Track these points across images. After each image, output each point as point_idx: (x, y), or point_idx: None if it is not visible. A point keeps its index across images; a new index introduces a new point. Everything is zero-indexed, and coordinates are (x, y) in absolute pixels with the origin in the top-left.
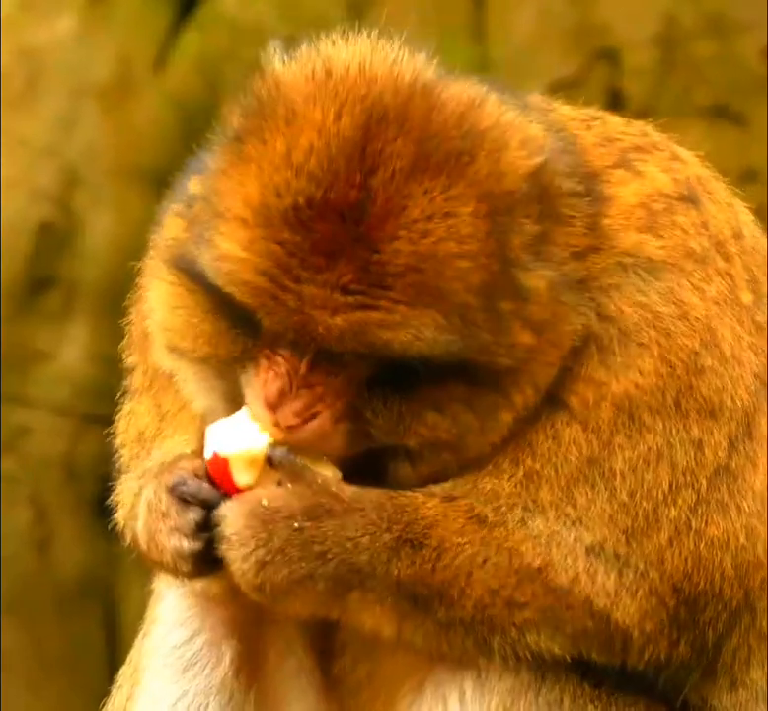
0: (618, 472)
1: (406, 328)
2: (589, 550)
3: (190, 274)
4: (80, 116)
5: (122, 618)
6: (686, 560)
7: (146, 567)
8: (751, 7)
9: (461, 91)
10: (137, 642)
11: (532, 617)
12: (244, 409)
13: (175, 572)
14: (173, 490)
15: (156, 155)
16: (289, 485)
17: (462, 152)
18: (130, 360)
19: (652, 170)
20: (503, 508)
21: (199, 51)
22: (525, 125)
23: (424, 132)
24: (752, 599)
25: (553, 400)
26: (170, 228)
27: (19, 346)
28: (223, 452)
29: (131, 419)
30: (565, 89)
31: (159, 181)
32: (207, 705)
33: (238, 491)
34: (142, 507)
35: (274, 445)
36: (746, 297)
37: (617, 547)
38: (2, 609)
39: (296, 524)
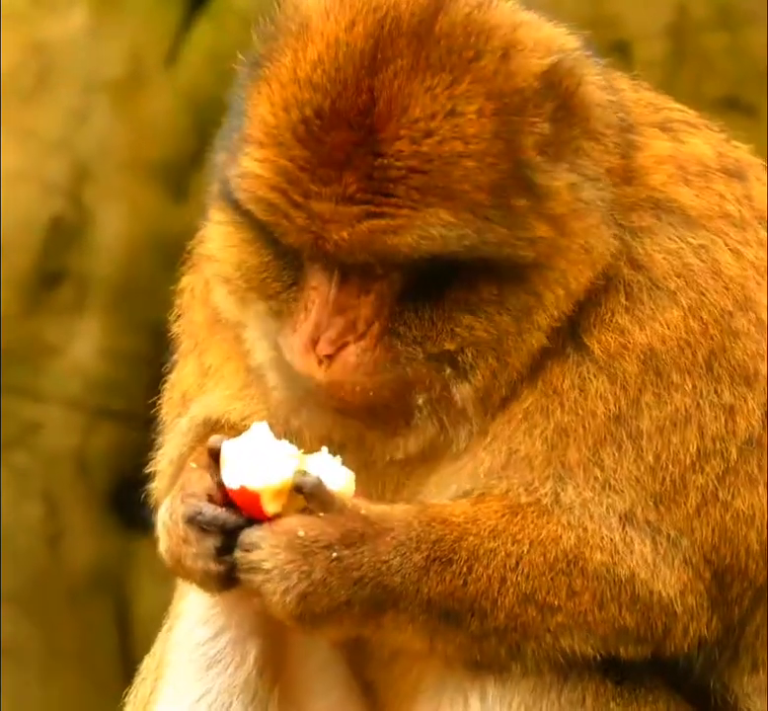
0: (645, 432)
1: (410, 230)
2: (622, 518)
3: (228, 200)
4: (92, 110)
5: (134, 611)
6: (714, 531)
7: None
8: None
9: None
10: (162, 635)
11: (565, 622)
12: (262, 429)
13: (204, 590)
14: (191, 521)
15: (167, 149)
16: (321, 513)
17: (467, 48)
18: (176, 329)
19: (695, 141)
20: (536, 483)
21: (211, 45)
22: (541, 26)
23: (429, 31)
24: None
25: (577, 343)
26: (218, 166)
27: (30, 340)
28: (253, 486)
29: (175, 384)
30: None
31: (170, 174)
32: (230, 704)
33: (266, 517)
34: (161, 530)
35: (302, 473)
36: None
37: (647, 513)
38: (15, 603)
39: (335, 554)
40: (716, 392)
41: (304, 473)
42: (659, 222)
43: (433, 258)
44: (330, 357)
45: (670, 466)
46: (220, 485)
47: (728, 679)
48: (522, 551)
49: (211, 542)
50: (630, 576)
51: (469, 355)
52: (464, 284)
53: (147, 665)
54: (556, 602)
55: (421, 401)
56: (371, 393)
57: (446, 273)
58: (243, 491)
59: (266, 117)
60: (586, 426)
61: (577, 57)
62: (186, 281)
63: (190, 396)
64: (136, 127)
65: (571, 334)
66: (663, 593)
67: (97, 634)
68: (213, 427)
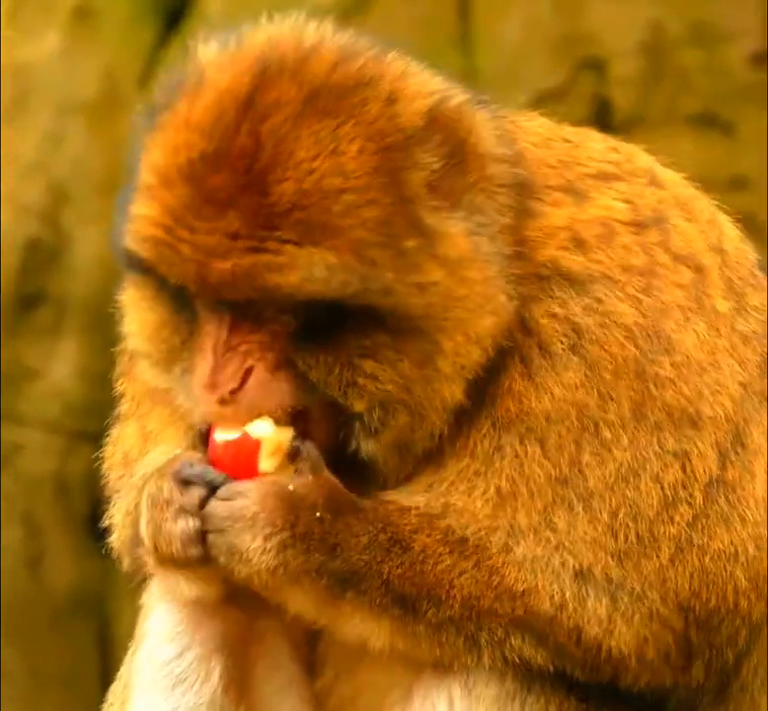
0: (595, 492)
1: (294, 269)
2: (578, 574)
3: (123, 257)
4: (67, 132)
5: (116, 634)
6: (692, 577)
7: (139, 582)
8: (737, 15)
9: (367, 50)
10: (127, 658)
11: (516, 621)
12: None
13: (185, 561)
14: (177, 474)
15: None
16: (310, 477)
17: (353, 96)
18: (120, 388)
19: (605, 199)
20: (483, 532)
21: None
22: (432, 78)
23: (317, 80)
24: None
25: (488, 411)
26: (115, 233)
27: (9, 363)
28: (256, 433)
29: (118, 443)
30: (552, 99)
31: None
32: None
33: (256, 474)
34: (145, 503)
35: (295, 438)
36: (722, 305)
37: (608, 570)
38: None
39: (318, 514)
40: (658, 441)
41: (297, 439)
42: (544, 289)
43: (319, 301)
44: (234, 394)
45: (630, 523)
46: (208, 440)
47: None
48: (467, 566)
49: (197, 491)
50: (577, 628)
51: (377, 412)
52: (358, 331)
53: (114, 689)
54: (500, 611)
55: (329, 443)
56: (283, 405)
57: (337, 318)
58: (244, 439)
59: (156, 161)
60: (531, 489)
61: (465, 104)
62: (125, 344)
63: (132, 457)
64: (112, 149)
65: (480, 400)
66: (615, 650)
67: (79, 656)
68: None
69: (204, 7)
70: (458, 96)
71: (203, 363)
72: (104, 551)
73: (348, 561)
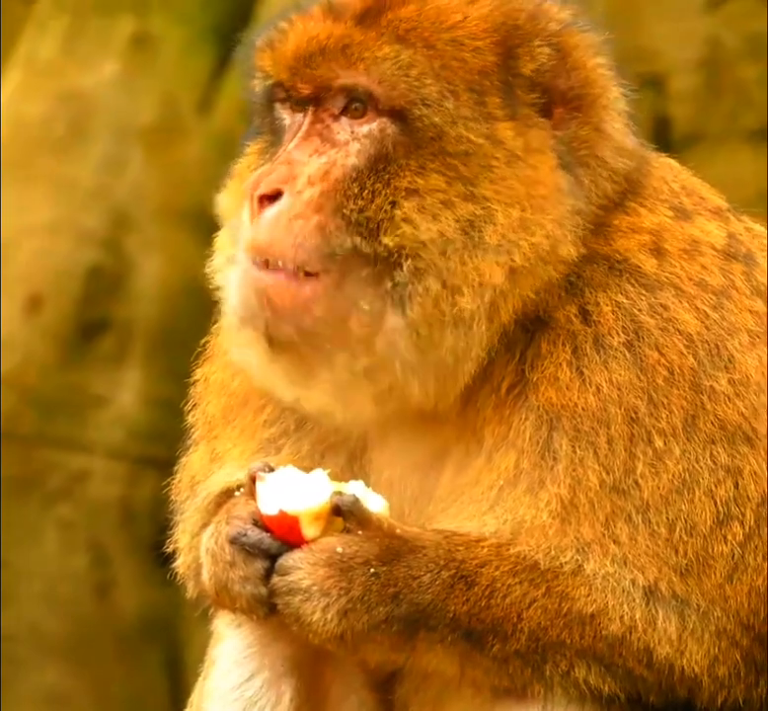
0: (651, 504)
1: (386, 60)
2: (647, 593)
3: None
4: (126, 158)
5: (185, 661)
6: (749, 595)
7: (206, 608)
8: None
9: None
10: (198, 684)
11: (582, 653)
12: (290, 469)
13: (250, 615)
14: (234, 541)
15: (202, 196)
16: (360, 531)
17: None
18: (191, 418)
19: (708, 226)
20: (554, 552)
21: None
22: (592, 36)
23: None
24: None
25: (531, 402)
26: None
27: (74, 390)
28: (292, 510)
29: (186, 468)
30: None
31: (205, 221)
32: None
33: (304, 541)
34: (205, 556)
35: (339, 493)
36: None
37: (673, 586)
38: (63, 653)
39: (373, 570)
40: (711, 455)
41: (341, 493)
42: (613, 279)
43: (393, 99)
44: (265, 202)
45: (687, 537)
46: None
47: None
48: (537, 594)
49: (260, 564)
50: (648, 649)
51: (407, 266)
52: (418, 164)
53: None
54: (568, 641)
55: (356, 327)
56: (304, 305)
57: (400, 149)
58: (282, 516)
59: (283, 18)
60: (590, 499)
61: (601, 63)
62: (200, 373)
63: (197, 480)
64: (171, 175)
65: (520, 383)
66: (687, 669)
67: (147, 683)
68: (226, 496)
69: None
70: (602, 59)
71: (266, 166)
72: (170, 577)
73: (413, 602)
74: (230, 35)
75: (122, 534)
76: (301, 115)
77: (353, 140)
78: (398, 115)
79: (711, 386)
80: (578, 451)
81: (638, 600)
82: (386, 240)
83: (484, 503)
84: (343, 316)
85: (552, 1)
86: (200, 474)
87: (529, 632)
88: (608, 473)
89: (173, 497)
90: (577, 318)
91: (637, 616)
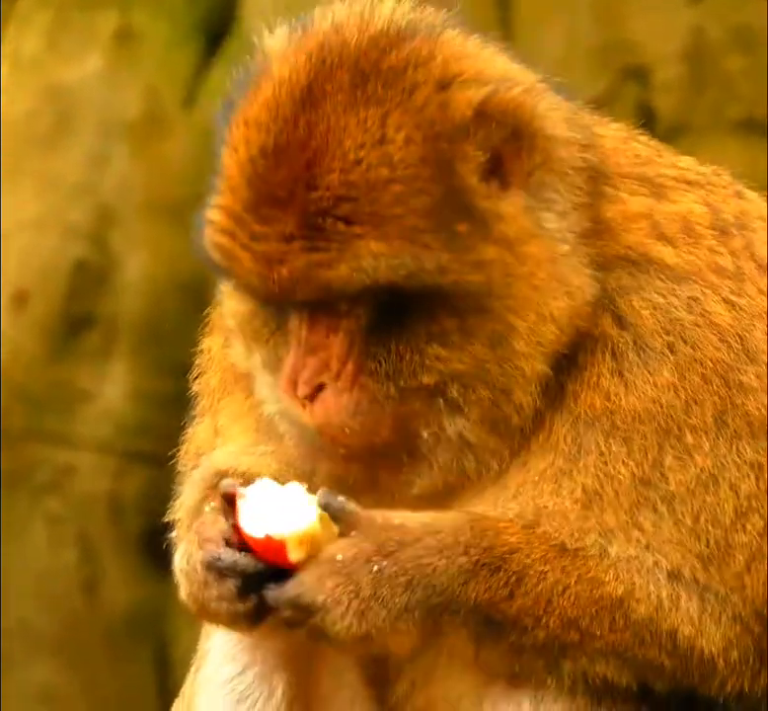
0: (676, 495)
1: (341, 263)
2: (670, 575)
3: (204, 259)
4: (111, 153)
5: (173, 655)
6: (766, 584)
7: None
8: None
9: (427, 28)
10: (189, 676)
11: (603, 649)
12: (268, 483)
13: (232, 629)
14: (209, 567)
15: (188, 190)
16: (353, 533)
17: (402, 81)
18: (196, 387)
19: (685, 200)
20: (577, 534)
21: (228, 86)
22: (491, 59)
23: (368, 65)
24: None
25: (570, 407)
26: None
27: (60, 385)
28: (278, 534)
29: (192, 438)
30: (595, 108)
31: (191, 215)
32: None
33: (289, 564)
34: (180, 576)
35: (325, 495)
36: None
37: (695, 572)
38: (52, 649)
39: (375, 567)
40: (737, 450)
41: (323, 496)
42: (640, 280)
43: (375, 289)
44: (311, 399)
45: (710, 528)
46: (235, 527)
47: None
48: (570, 582)
49: (231, 583)
50: (672, 630)
51: (454, 388)
52: (424, 315)
53: (176, 708)
54: (598, 632)
55: (425, 435)
56: (369, 435)
57: (405, 304)
58: (268, 540)
59: (225, 161)
60: (616, 489)
61: (531, 90)
62: (204, 343)
63: (202, 451)
64: (157, 169)
65: (562, 394)
66: (706, 650)
67: (135, 678)
68: (223, 476)
69: (246, 27)
70: (520, 81)
71: (288, 360)
72: (161, 572)
73: (428, 586)
74: (214, 29)
75: (110, 528)
76: (294, 306)
77: (357, 312)
78: (387, 293)
79: (739, 381)
80: (613, 447)
81: (663, 581)
82: (426, 380)
83: (509, 490)
84: (408, 431)
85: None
86: (205, 446)
87: (551, 629)
88: (637, 466)
89: (179, 466)
90: (614, 325)
91: (663, 595)
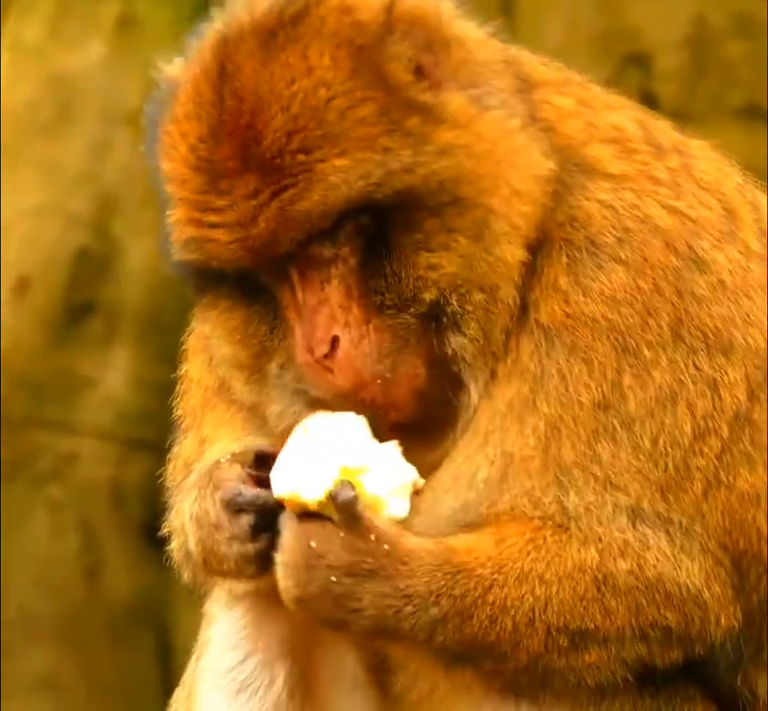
0: (635, 417)
1: (312, 191)
2: (630, 515)
3: (180, 271)
4: (113, 141)
5: (175, 643)
6: (723, 514)
7: (198, 591)
8: None
9: None
10: (191, 665)
11: (594, 661)
12: (300, 441)
13: (239, 576)
14: (228, 503)
15: None
16: (342, 533)
17: (308, 20)
18: (177, 411)
19: (614, 117)
20: (537, 492)
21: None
22: None
23: (269, 22)
24: None
25: (532, 318)
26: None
27: (62, 373)
28: (304, 497)
29: (178, 456)
30: None
31: None
32: None
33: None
34: (190, 523)
35: (340, 483)
36: (755, 245)
37: (655, 504)
38: (54, 636)
39: (333, 578)
40: (695, 365)
41: (342, 484)
42: (583, 179)
43: (353, 207)
44: (331, 356)
45: (669, 450)
46: (250, 476)
47: (754, 684)
48: (551, 592)
49: (246, 520)
50: (657, 575)
51: (453, 299)
52: (406, 226)
53: (177, 696)
54: (592, 626)
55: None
56: (409, 380)
57: (384, 222)
58: (293, 500)
59: (167, 166)
60: (576, 417)
61: (434, 3)
62: (182, 368)
63: (191, 462)
64: None
65: (525, 310)
66: (690, 584)
67: (137, 665)
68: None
69: None
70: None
71: (297, 333)
72: (163, 560)
73: (384, 624)
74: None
75: (112, 516)
76: (280, 274)
77: (343, 253)
78: (363, 213)
79: (692, 290)
80: (574, 367)
81: (625, 524)
82: (428, 295)
83: (480, 436)
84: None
85: None
86: (193, 457)
87: (533, 650)
88: (597, 388)
89: (167, 482)
90: (567, 224)
91: (630, 539)
